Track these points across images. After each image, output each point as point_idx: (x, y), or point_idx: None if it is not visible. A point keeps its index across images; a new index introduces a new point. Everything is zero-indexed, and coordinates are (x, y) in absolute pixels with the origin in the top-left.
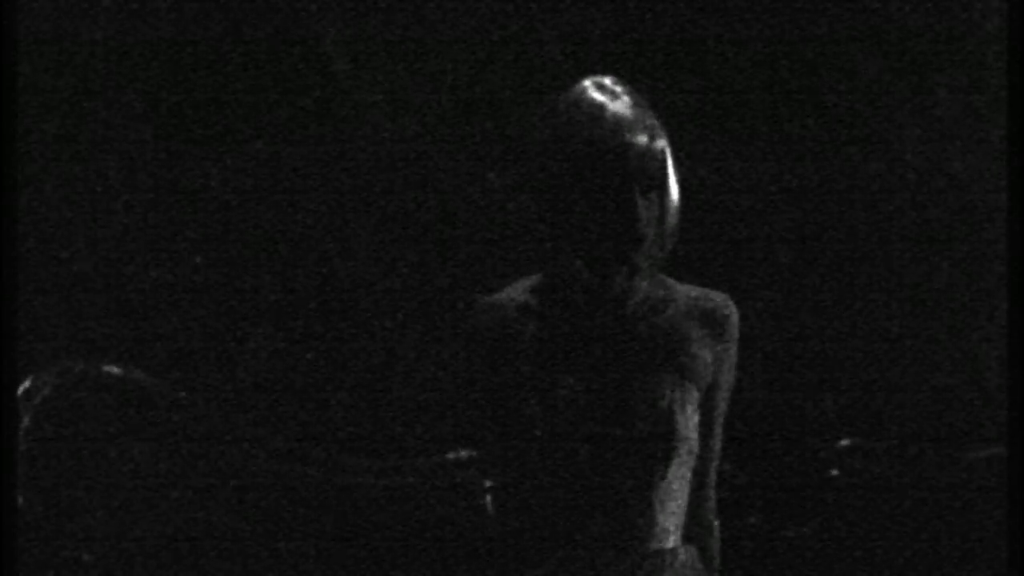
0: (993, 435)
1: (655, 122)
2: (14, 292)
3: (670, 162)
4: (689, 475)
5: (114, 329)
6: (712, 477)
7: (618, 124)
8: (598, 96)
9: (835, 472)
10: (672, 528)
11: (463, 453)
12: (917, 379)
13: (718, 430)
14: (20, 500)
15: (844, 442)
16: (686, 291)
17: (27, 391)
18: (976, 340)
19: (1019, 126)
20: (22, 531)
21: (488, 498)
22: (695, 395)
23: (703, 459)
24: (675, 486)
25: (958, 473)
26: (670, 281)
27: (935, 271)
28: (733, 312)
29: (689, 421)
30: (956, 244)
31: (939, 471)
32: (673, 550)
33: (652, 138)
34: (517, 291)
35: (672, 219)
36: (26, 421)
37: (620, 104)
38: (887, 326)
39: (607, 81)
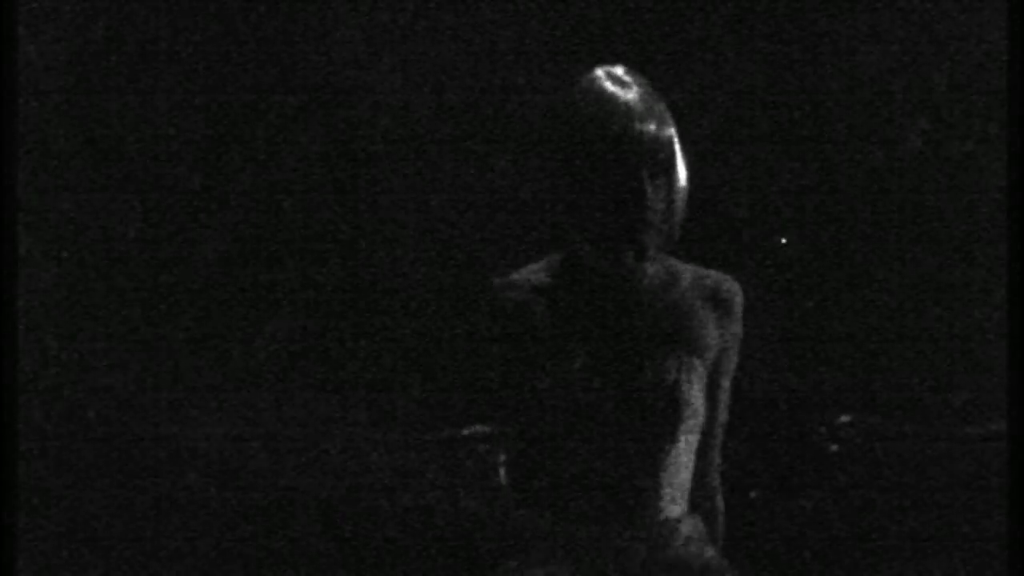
0: (993, 411)
1: (664, 110)
2: (14, 286)
3: (678, 149)
4: (695, 447)
5: (132, 320)
6: (716, 449)
7: (628, 112)
8: (609, 85)
9: (834, 448)
10: (678, 497)
11: (478, 428)
12: (916, 356)
13: (723, 404)
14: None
15: (843, 419)
16: (693, 271)
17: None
18: (976, 320)
19: (1019, 118)
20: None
21: (502, 471)
22: (701, 371)
23: (708, 432)
24: (681, 458)
25: (957, 448)
26: (678, 262)
27: (935, 250)
28: (738, 292)
29: (695, 395)
30: (955, 223)
31: (938, 447)
32: (678, 519)
33: (661, 126)
34: (532, 271)
35: (680, 203)
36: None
37: (630, 93)
38: (886, 305)
39: (619, 71)
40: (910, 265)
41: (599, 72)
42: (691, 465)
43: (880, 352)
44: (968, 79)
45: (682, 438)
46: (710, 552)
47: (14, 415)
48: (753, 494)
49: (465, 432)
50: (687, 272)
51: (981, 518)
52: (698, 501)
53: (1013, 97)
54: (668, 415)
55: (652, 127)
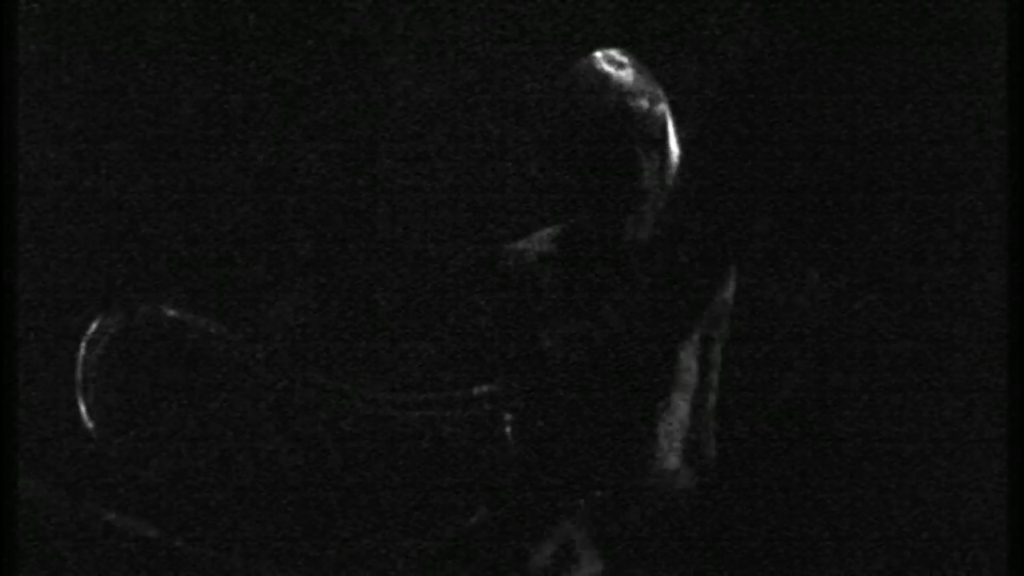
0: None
1: (657, 89)
2: (14, 286)
3: (670, 124)
4: (689, 406)
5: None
6: (709, 409)
7: (622, 91)
8: (605, 67)
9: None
10: (673, 451)
11: (486, 388)
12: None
13: (715, 367)
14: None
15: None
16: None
17: (94, 332)
18: (975, 334)
19: (1019, 117)
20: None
21: (508, 428)
22: (695, 335)
23: (702, 393)
24: (677, 415)
25: (955, 439)
26: (672, 232)
27: (930, 235)
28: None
29: (688, 357)
30: (955, 214)
31: (935, 435)
32: (675, 471)
33: (653, 103)
34: (538, 240)
35: (672, 175)
36: (92, 360)
37: (624, 74)
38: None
39: (614, 53)
40: (909, 226)
41: (597, 54)
42: (686, 423)
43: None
44: (968, 78)
45: (677, 397)
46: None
47: (14, 415)
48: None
49: (475, 392)
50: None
51: (979, 513)
52: (692, 456)
53: (1013, 97)
54: (664, 376)
55: (644, 104)
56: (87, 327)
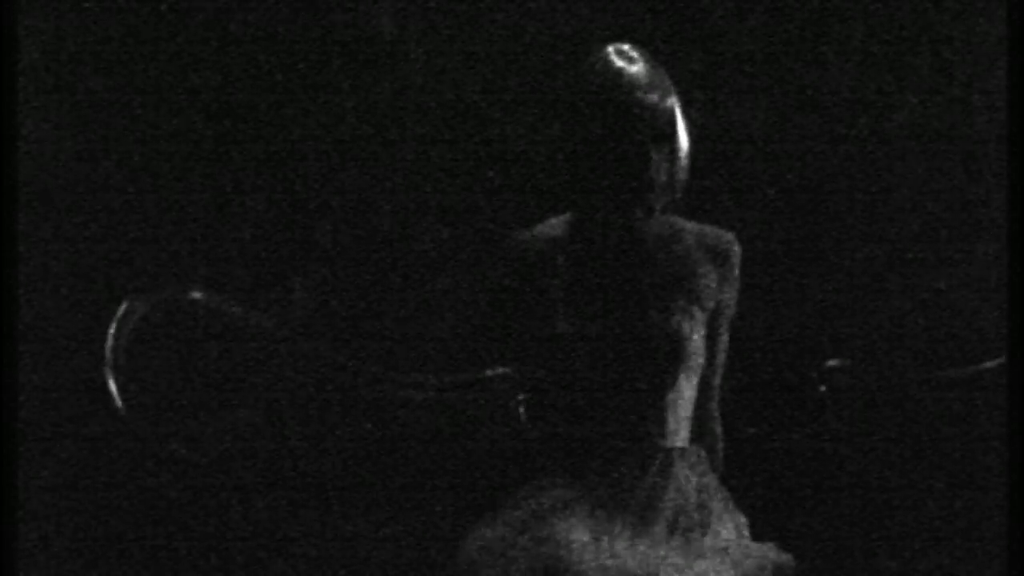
0: (989, 352)
1: (667, 82)
2: (14, 286)
3: (679, 117)
4: (696, 385)
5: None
6: (716, 387)
7: (632, 85)
8: (617, 61)
9: (823, 388)
10: (681, 429)
11: (500, 370)
12: (912, 301)
13: (722, 346)
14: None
15: (831, 363)
16: (695, 228)
17: (122, 315)
18: (975, 268)
19: (1019, 118)
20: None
21: (521, 409)
22: (701, 317)
23: (708, 372)
24: (684, 394)
25: (954, 390)
26: (681, 219)
27: (927, 196)
28: (735, 246)
29: (695, 339)
30: (954, 171)
31: (932, 390)
32: (682, 449)
33: (663, 97)
34: (550, 227)
35: (681, 166)
36: (121, 343)
37: (635, 68)
38: (881, 255)
39: (626, 47)
40: (908, 213)
41: (608, 48)
42: (693, 401)
43: (872, 303)
44: (968, 77)
45: (684, 377)
46: (709, 477)
47: (14, 415)
48: (750, 429)
49: (488, 373)
50: (689, 228)
51: (975, 455)
52: (699, 433)
53: (1013, 97)
54: (671, 356)
55: (653, 97)
56: (116, 309)
